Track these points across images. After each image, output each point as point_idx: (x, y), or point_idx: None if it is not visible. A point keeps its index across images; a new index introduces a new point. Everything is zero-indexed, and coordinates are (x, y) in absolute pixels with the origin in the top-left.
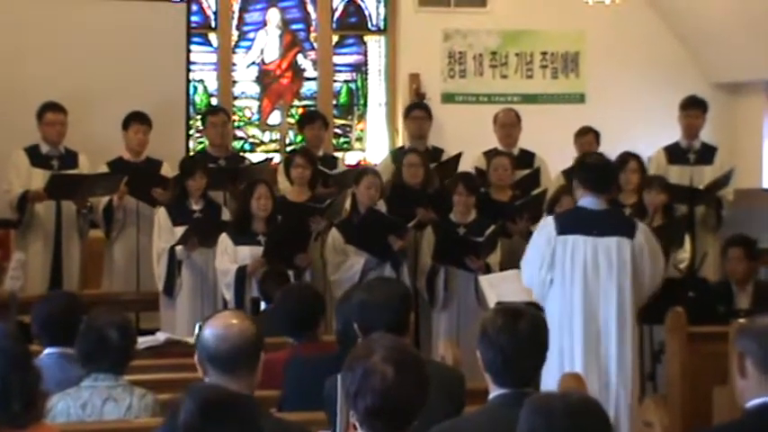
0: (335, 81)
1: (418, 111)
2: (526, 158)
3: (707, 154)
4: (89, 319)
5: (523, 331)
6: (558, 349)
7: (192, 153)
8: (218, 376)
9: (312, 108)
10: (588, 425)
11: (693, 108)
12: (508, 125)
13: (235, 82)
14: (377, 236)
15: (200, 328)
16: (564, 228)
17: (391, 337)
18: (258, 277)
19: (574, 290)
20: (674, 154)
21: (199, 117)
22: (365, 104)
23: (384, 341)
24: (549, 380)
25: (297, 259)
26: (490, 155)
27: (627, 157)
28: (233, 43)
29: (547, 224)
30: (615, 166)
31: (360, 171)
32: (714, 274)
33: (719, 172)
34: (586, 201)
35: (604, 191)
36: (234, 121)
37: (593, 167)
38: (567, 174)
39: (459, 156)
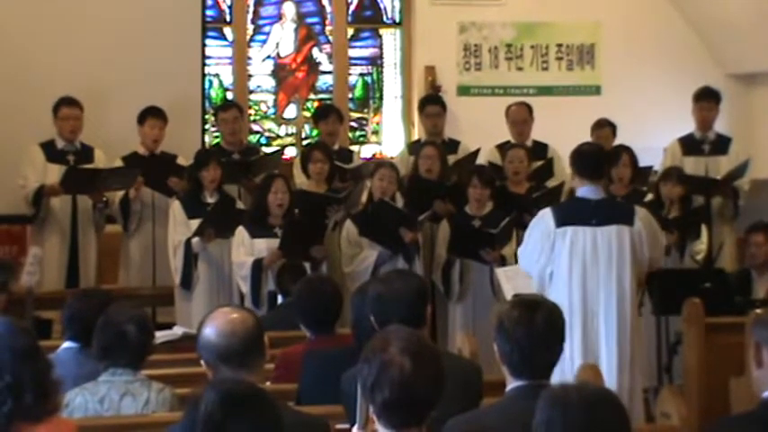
0: (351, 74)
1: (431, 107)
2: (539, 150)
3: (721, 144)
4: (107, 314)
5: (540, 323)
6: None
7: (207, 147)
8: (233, 372)
9: (328, 101)
10: (604, 416)
11: (706, 100)
12: (520, 122)
13: (250, 76)
14: (388, 228)
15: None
16: (562, 219)
17: (407, 330)
18: (275, 270)
19: (573, 281)
20: (689, 145)
21: (212, 112)
22: (381, 98)
23: (400, 333)
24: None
25: (313, 251)
26: (504, 148)
27: (620, 150)
28: (248, 37)
29: (544, 216)
30: (604, 151)
31: (376, 164)
32: (731, 264)
33: (734, 162)
34: (584, 191)
35: (599, 177)
36: (249, 115)
37: (587, 155)
38: None
39: (476, 152)
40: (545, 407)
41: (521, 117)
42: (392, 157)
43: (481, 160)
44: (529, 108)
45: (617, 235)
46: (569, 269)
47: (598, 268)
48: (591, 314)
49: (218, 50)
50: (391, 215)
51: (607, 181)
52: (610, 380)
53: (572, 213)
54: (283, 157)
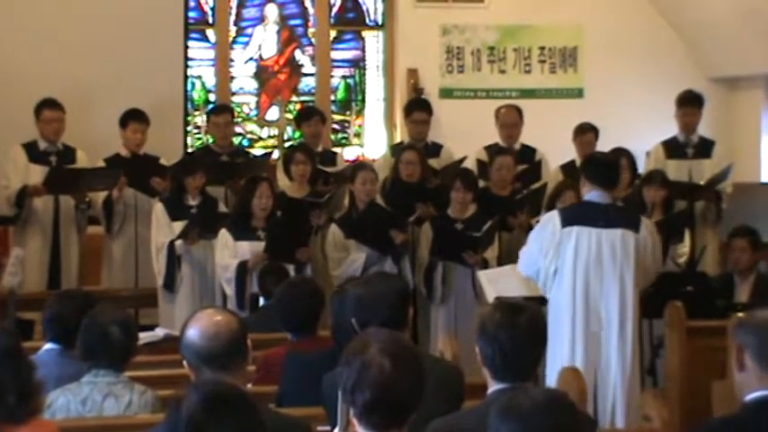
0: (333, 77)
1: (418, 113)
2: (527, 154)
3: (705, 148)
4: (91, 316)
5: (522, 326)
6: (560, 340)
7: (191, 149)
8: (215, 374)
9: (310, 104)
10: (558, 417)
11: (689, 106)
12: (510, 125)
13: (232, 78)
14: (378, 230)
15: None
16: (568, 220)
17: (386, 331)
18: (258, 272)
19: (576, 280)
20: (673, 148)
21: (197, 113)
22: (363, 100)
23: (380, 335)
24: (553, 371)
25: (297, 253)
26: (492, 150)
27: (618, 154)
28: (230, 39)
29: (551, 217)
30: (620, 162)
31: (354, 167)
32: (714, 268)
33: (717, 165)
34: (593, 195)
35: (611, 186)
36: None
37: (600, 163)
38: (566, 169)
39: (462, 160)
40: (502, 421)
41: (511, 120)
42: (374, 160)
43: (470, 160)
44: (519, 111)
45: (621, 238)
46: (573, 269)
47: (601, 269)
48: (593, 314)
49: (200, 52)
50: (382, 217)
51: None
52: (608, 380)
53: (579, 215)
54: (271, 159)
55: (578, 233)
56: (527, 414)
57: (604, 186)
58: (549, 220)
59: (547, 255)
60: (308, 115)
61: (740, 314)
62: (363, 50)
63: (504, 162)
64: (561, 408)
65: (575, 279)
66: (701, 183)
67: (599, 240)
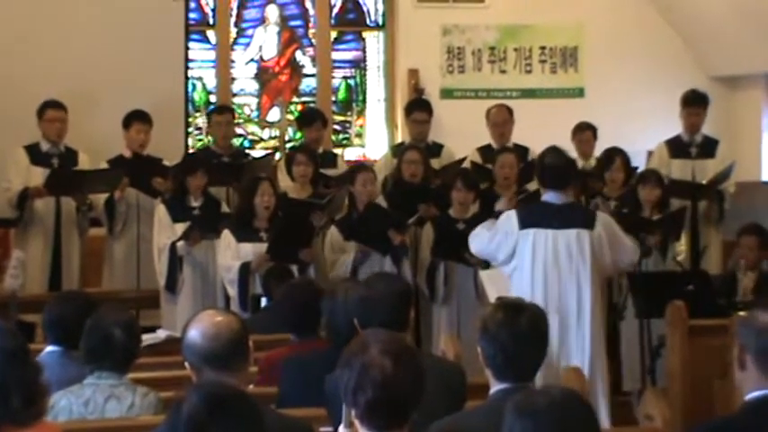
0: (334, 77)
1: (419, 113)
2: (520, 153)
3: (709, 147)
4: (94, 318)
5: (524, 326)
6: None
7: (192, 150)
8: (216, 375)
9: (311, 105)
10: (573, 416)
11: (695, 105)
12: (500, 123)
13: (233, 79)
14: (377, 230)
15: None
16: (525, 222)
17: (384, 332)
18: (262, 273)
19: (535, 281)
20: (676, 148)
21: (197, 114)
22: (364, 100)
23: (378, 335)
24: None
25: (301, 254)
26: (485, 151)
27: (612, 154)
28: (231, 40)
29: (510, 217)
30: (572, 163)
31: (353, 169)
32: (716, 267)
33: (721, 165)
34: (548, 196)
35: (563, 188)
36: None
37: (549, 168)
38: None
39: (462, 160)
40: (516, 419)
41: (501, 118)
42: (375, 160)
43: (465, 163)
44: (509, 110)
45: (577, 238)
46: (531, 271)
47: (559, 269)
48: (552, 314)
49: (201, 53)
50: (381, 218)
51: (601, 183)
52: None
53: (535, 216)
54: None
55: (535, 235)
56: (542, 412)
57: (557, 188)
58: (508, 220)
59: (496, 241)
60: (309, 121)
61: (741, 312)
62: (364, 51)
63: (506, 160)
64: (576, 407)
65: (533, 279)
66: (704, 182)
67: (555, 242)
